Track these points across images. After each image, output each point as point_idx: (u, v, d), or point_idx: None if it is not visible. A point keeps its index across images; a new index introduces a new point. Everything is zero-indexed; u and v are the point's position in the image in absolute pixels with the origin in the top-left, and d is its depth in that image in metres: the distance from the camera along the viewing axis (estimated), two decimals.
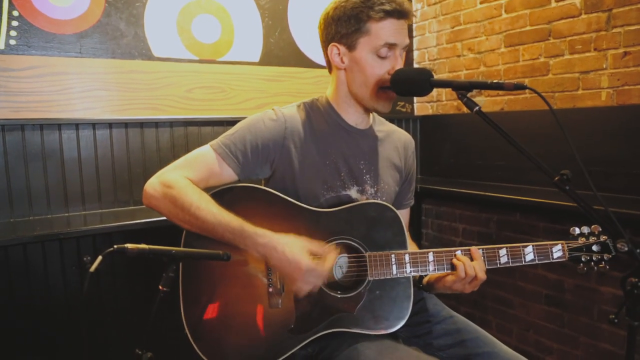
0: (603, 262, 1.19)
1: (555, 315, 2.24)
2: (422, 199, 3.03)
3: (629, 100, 1.95)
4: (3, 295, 1.83)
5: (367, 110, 1.33)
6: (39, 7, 1.87)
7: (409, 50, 3.05)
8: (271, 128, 1.23)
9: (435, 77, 1.18)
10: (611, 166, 1.98)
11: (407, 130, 3.04)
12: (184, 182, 1.16)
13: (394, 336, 1.24)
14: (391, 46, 1.20)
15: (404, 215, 1.49)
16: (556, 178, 0.98)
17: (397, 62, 1.22)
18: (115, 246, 0.98)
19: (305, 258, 1.09)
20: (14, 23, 1.83)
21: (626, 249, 0.86)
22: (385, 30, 1.19)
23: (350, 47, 1.22)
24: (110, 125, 2.02)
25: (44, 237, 1.71)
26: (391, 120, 3.09)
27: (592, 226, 1.21)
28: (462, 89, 1.09)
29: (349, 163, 1.29)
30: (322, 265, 1.11)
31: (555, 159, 2.15)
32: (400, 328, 1.34)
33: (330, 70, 1.32)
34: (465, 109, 2.74)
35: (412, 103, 3.05)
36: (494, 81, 1.05)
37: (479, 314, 2.65)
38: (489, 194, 2.25)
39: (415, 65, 3.06)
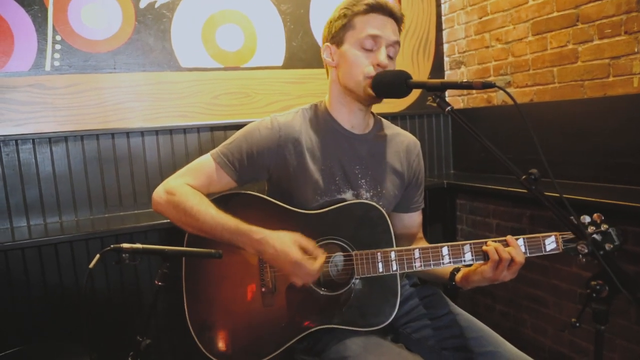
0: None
1: (590, 316, 2.12)
2: (456, 194, 2.97)
3: None
4: (53, 284, 2.07)
5: (365, 108, 1.33)
6: (77, 30, 2.09)
7: (439, 43, 2.99)
8: (265, 136, 1.30)
9: (412, 79, 1.19)
10: None
11: (437, 125, 3.00)
12: (185, 188, 1.26)
13: (382, 332, 1.27)
14: (375, 38, 1.23)
15: (414, 218, 1.49)
16: (523, 177, 0.97)
17: (381, 56, 1.23)
18: (112, 245, 1.12)
19: (294, 250, 1.13)
20: (57, 47, 2.06)
21: (586, 251, 0.84)
22: (368, 23, 1.24)
23: (339, 44, 1.29)
24: (142, 133, 2.20)
25: (87, 235, 1.94)
26: (421, 115, 3.02)
27: (594, 215, 1.08)
28: (435, 89, 1.11)
29: (344, 167, 1.32)
30: (311, 263, 1.14)
31: (585, 149, 2.04)
32: (402, 325, 1.37)
33: (328, 75, 1.38)
34: (495, 102, 2.65)
35: (443, 97, 2.98)
36: (464, 81, 1.06)
37: (514, 312, 2.57)
38: (519, 190, 2.16)
39: (446, 59, 3.00)
